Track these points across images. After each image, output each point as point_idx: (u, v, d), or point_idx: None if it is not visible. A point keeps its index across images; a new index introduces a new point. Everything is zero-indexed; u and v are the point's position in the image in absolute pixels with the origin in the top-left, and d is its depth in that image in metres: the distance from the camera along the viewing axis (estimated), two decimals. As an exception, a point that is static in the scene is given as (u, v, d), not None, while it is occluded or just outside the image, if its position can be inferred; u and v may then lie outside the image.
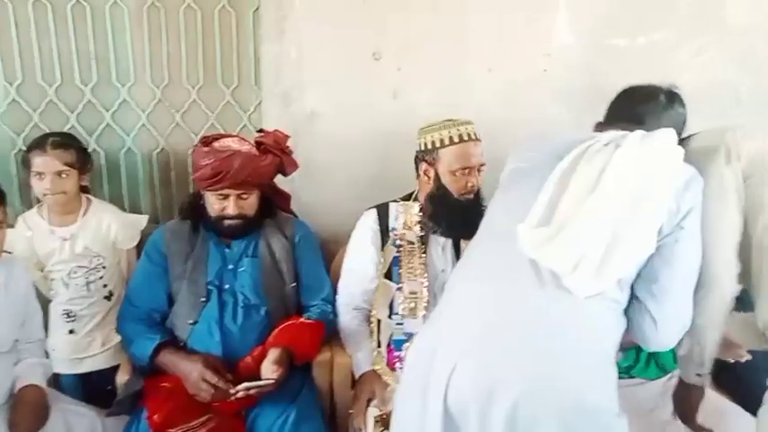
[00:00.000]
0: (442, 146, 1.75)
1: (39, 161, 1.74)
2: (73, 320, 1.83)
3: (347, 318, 1.84)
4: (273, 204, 1.89)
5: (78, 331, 1.84)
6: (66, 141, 1.81)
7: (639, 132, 1.24)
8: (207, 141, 1.73)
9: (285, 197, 2.02)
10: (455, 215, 1.75)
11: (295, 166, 1.86)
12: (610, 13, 2.26)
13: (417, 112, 2.21)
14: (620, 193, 1.16)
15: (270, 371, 1.56)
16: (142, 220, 2.00)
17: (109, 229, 1.88)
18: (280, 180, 2.02)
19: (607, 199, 1.15)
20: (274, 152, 1.78)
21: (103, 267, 1.86)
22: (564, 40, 2.25)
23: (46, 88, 1.99)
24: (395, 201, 1.87)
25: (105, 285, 1.87)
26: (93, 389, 1.83)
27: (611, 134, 1.26)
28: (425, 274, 1.74)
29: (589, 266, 1.12)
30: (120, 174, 2.11)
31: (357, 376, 1.73)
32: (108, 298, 1.88)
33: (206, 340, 1.65)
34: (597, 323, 1.17)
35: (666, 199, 1.17)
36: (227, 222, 1.72)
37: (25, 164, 1.78)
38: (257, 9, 2.07)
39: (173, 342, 1.66)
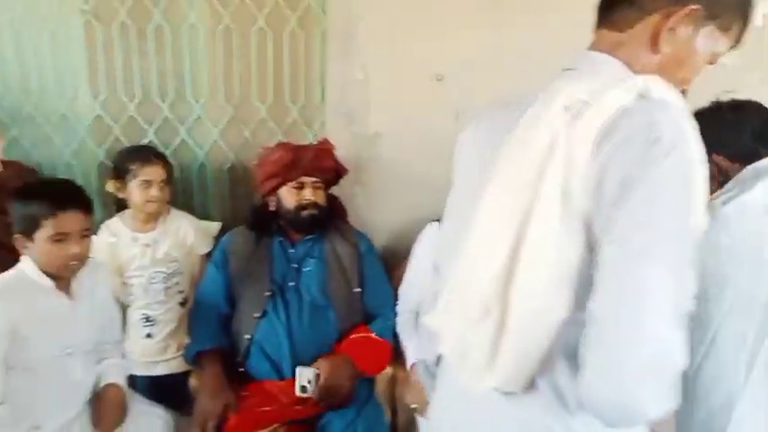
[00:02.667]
0: None
1: (148, 170, 1.87)
2: (151, 325, 1.93)
3: (403, 318, 1.88)
4: (334, 213, 1.98)
5: (155, 335, 1.94)
6: (163, 154, 1.97)
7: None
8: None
9: (342, 209, 2.09)
10: None
11: (345, 169, 1.98)
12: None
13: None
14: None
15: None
16: (215, 227, 2.11)
17: (186, 235, 1.98)
18: (342, 196, 2.10)
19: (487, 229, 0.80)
20: (327, 152, 1.92)
21: (180, 273, 1.96)
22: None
23: (127, 103, 2.11)
24: None
25: (181, 291, 1.97)
26: (165, 391, 1.91)
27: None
28: None
29: (478, 354, 0.80)
30: (192, 187, 2.22)
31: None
32: (182, 304, 1.98)
33: (272, 339, 1.71)
34: None
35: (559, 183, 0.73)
36: (304, 213, 1.83)
37: (121, 173, 1.89)
38: (325, 31, 2.15)
39: (225, 354, 1.72)
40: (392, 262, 2.13)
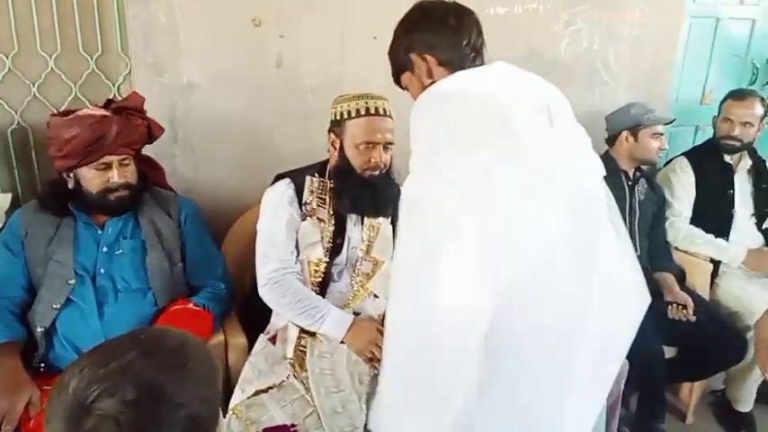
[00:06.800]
0: (349, 117, 1.68)
1: None
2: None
3: (284, 286, 1.66)
4: (147, 179, 1.77)
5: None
6: None
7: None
8: (63, 114, 1.61)
9: (159, 170, 1.89)
10: (358, 190, 1.69)
11: (161, 128, 1.75)
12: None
13: (303, 80, 2.15)
14: None
15: None
16: (4, 200, 1.80)
17: None
18: (159, 156, 1.90)
19: None
20: (139, 115, 1.67)
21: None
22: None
23: None
24: (310, 174, 1.77)
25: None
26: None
27: None
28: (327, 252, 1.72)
29: None
30: (-31, 154, 1.87)
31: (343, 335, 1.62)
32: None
33: (80, 328, 1.54)
34: None
35: None
36: (113, 196, 1.60)
37: None
38: (119, -33, 1.89)
39: (23, 348, 1.51)
40: (222, 223, 2.00)
